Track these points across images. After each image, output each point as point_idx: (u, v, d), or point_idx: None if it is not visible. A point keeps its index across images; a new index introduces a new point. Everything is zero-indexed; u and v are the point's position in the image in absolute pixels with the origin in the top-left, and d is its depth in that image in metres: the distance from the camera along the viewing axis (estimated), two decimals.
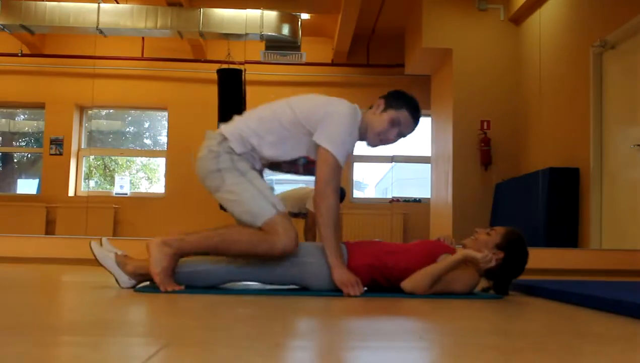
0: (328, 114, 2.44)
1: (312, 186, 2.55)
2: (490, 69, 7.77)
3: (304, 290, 2.46)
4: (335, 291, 2.45)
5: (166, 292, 2.31)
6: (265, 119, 2.49)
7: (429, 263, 2.42)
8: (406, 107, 2.53)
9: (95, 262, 2.46)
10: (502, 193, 7.40)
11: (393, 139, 2.56)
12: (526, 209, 6.59)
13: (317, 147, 2.43)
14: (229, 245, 2.35)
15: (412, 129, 2.58)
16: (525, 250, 2.48)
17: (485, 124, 7.63)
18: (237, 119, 2.56)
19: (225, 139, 2.45)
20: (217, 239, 2.34)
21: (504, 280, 2.49)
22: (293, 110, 2.48)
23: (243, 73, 7.72)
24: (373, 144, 2.58)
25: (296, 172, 2.64)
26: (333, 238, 2.39)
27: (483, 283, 2.54)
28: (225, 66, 7.83)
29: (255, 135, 2.46)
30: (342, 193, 4.76)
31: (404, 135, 2.58)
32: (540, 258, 5.16)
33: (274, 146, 2.47)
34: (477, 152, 7.64)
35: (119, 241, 4.17)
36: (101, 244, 2.50)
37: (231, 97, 7.61)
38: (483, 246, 2.43)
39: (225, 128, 2.50)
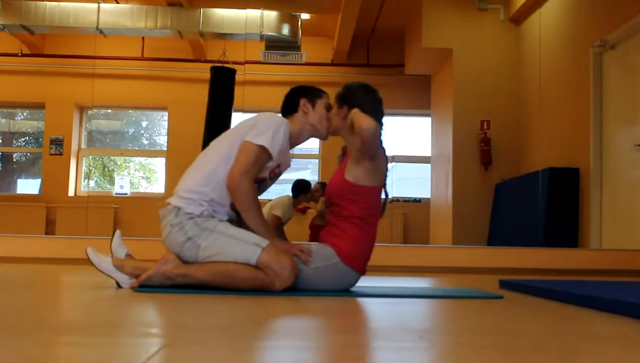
0: (257, 121, 2.51)
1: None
2: (491, 69, 7.77)
3: (303, 291, 2.46)
4: (334, 291, 2.46)
5: (140, 286, 2.37)
6: (210, 167, 2.51)
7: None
8: (316, 95, 2.69)
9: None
10: (502, 193, 7.40)
11: (326, 120, 2.67)
12: (526, 209, 6.59)
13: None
14: (230, 286, 2.37)
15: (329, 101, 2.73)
16: (364, 87, 2.77)
17: (485, 124, 7.63)
18: (181, 184, 2.57)
19: (179, 208, 2.46)
20: (220, 281, 2.36)
21: (373, 110, 2.63)
22: (230, 140, 2.53)
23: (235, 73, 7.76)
24: (324, 133, 2.69)
25: (264, 189, 2.66)
26: (259, 221, 2.44)
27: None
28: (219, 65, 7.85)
29: (207, 187, 2.47)
30: None
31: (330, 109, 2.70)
32: (540, 258, 5.17)
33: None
34: (477, 152, 7.64)
35: None
36: (112, 237, 2.58)
37: (222, 95, 7.62)
38: (345, 121, 2.56)
39: (174, 199, 2.51)
